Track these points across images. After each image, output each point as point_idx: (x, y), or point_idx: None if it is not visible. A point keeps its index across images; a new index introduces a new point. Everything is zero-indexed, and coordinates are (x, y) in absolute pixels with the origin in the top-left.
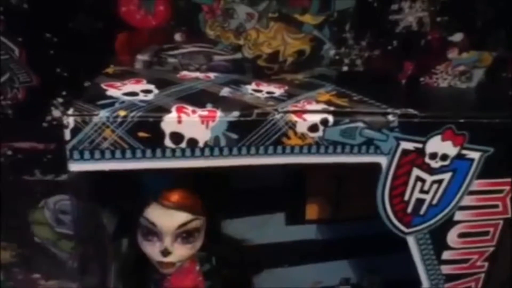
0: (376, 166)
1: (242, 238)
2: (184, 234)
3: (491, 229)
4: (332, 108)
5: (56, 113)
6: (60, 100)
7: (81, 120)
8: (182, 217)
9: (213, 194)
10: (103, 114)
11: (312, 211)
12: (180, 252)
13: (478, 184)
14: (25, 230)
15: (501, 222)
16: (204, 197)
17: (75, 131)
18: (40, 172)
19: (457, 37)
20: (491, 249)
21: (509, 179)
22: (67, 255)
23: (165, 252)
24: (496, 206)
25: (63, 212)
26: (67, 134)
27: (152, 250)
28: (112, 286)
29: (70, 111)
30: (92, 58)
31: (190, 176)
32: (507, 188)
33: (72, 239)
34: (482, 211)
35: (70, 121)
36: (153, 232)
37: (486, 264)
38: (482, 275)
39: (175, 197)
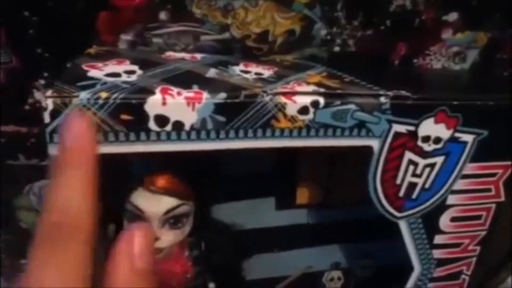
0: (368, 150)
1: (231, 223)
2: (172, 220)
3: (484, 213)
4: (322, 90)
5: (38, 95)
6: (42, 82)
7: (60, 102)
8: (169, 202)
9: (202, 178)
10: (83, 95)
11: (302, 195)
12: (168, 238)
13: (471, 168)
14: (11, 216)
15: (494, 206)
16: (192, 182)
17: (54, 114)
18: (24, 157)
19: (452, 16)
20: (483, 233)
21: (502, 163)
22: None
23: None
24: (489, 190)
25: None
26: (46, 117)
27: None
28: (100, 273)
29: (49, 93)
30: (74, 38)
31: (177, 160)
32: (500, 171)
33: None
34: (475, 195)
35: (49, 103)
36: (139, 218)
37: (478, 248)
38: (474, 259)
39: (161, 181)
